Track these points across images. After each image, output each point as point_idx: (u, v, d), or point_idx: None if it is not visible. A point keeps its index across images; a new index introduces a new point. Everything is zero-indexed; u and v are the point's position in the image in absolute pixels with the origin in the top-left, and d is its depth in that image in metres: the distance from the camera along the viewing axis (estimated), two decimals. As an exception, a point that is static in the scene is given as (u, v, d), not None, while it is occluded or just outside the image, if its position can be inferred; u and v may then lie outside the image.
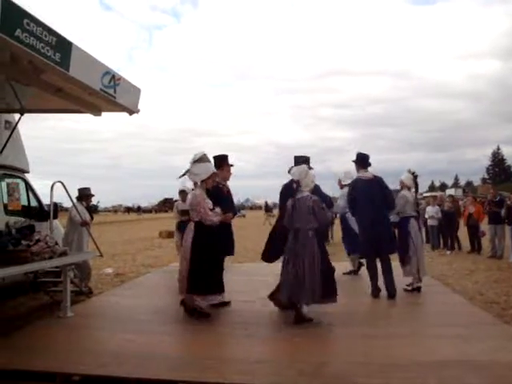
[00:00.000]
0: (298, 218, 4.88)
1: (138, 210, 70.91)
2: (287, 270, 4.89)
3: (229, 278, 7.74)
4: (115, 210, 74.66)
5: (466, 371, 3.46)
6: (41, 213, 7.22)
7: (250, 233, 20.51)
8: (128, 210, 71.82)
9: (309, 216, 4.83)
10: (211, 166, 5.39)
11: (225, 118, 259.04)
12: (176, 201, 9.42)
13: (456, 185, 78.93)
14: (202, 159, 5.26)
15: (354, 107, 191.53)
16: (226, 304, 5.72)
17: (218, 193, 5.67)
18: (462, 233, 13.35)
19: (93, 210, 8.81)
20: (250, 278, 7.92)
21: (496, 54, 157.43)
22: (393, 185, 7.13)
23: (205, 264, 5.03)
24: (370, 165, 6.43)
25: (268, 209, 33.97)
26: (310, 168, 5.53)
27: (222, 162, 5.98)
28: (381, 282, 6.06)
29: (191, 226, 5.18)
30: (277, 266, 5.24)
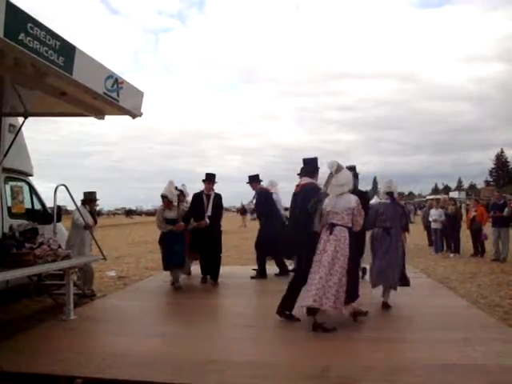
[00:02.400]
0: (388, 219, 5.71)
1: (130, 213, 67.55)
2: (380, 259, 5.66)
3: (232, 281, 7.79)
4: (114, 213, 72.48)
5: (471, 375, 3.45)
6: (44, 216, 7.24)
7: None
8: (127, 213, 69.20)
9: (398, 217, 5.76)
10: (350, 173, 5.07)
11: (229, 121, 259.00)
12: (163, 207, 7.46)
13: (459, 187, 78.68)
14: (340, 167, 4.91)
15: (358, 110, 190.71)
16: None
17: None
18: (466, 236, 13.30)
19: (97, 214, 8.71)
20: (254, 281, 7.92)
21: (500, 57, 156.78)
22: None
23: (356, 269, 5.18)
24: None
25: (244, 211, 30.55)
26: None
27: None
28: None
29: (344, 232, 4.75)
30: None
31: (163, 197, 7.22)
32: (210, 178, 7.71)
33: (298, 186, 5.39)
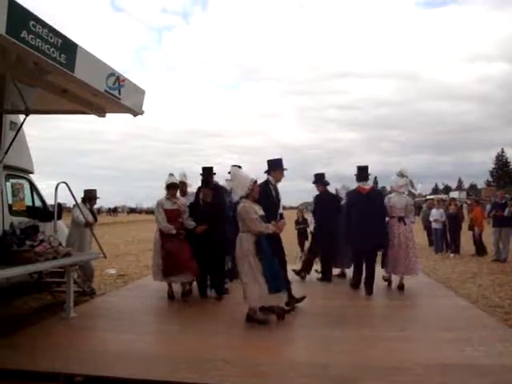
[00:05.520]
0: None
1: (114, 211, 64.93)
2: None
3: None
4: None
5: (471, 375, 3.45)
6: (45, 213, 7.24)
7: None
8: (110, 210, 65.60)
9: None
10: None
11: (231, 119, 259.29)
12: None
13: (460, 187, 78.50)
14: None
15: (360, 109, 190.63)
16: None
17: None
18: (466, 237, 13.32)
19: (97, 211, 8.71)
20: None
21: (504, 56, 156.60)
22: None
23: None
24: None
25: None
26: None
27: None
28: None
29: (408, 221, 6.71)
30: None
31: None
32: (277, 165, 5.63)
33: (363, 188, 6.58)
